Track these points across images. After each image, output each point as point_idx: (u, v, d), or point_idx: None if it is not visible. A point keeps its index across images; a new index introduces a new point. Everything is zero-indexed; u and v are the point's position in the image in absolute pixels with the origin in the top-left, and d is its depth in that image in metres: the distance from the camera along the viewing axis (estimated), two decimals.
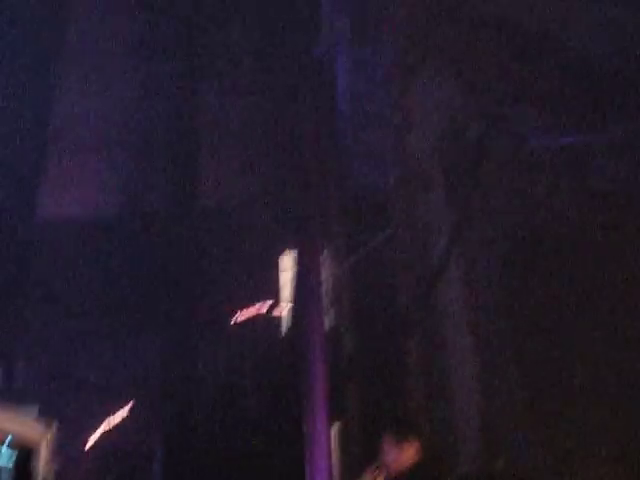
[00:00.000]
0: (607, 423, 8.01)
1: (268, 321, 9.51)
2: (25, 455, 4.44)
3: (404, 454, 4.41)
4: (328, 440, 7.57)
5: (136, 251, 9.95)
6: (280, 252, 9.36)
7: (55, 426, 4.48)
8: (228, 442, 9.92)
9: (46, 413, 4.54)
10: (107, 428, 9.98)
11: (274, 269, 9.39)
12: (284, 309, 9.38)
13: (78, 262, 10.05)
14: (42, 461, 4.43)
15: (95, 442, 9.98)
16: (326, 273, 8.58)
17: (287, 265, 9.30)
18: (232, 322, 9.52)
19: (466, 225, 8.25)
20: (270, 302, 9.38)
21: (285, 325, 9.49)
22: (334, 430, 8.12)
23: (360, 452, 7.77)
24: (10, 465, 4.36)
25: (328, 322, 8.59)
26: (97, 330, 10.12)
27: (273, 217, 8.92)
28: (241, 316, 9.62)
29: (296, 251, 9.03)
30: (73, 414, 9.13)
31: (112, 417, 10.01)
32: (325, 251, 8.59)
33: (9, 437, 4.40)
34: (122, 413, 10.05)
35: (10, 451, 4.35)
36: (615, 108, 8.28)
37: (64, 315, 9.90)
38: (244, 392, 10.08)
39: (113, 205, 10.02)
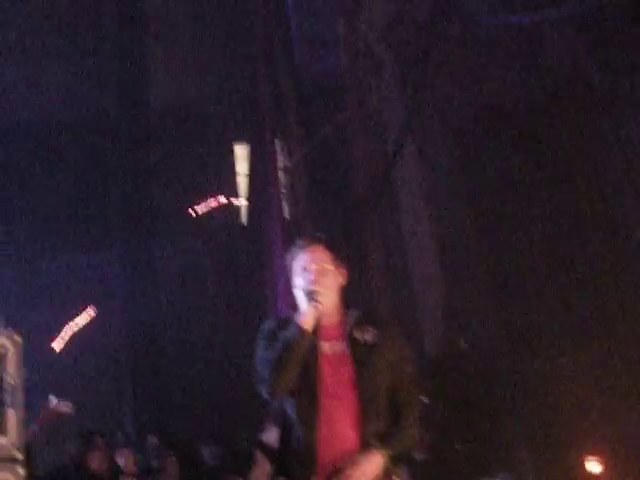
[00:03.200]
0: (563, 303, 8.22)
1: (226, 212, 9.51)
2: None
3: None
4: None
5: (86, 156, 9.84)
6: (235, 144, 9.29)
7: (22, 334, 4.50)
8: (193, 338, 10.04)
9: (12, 324, 4.57)
10: (72, 333, 10.03)
11: (230, 162, 9.34)
12: (241, 200, 9.37)
13: (31, 168, 9.94)
14: (12, 367, 4.46)
15: (62, 348, 10.04)
16: (281, 162, 8.57)
17: (242, 157, 9.25)
18: (192, 215, 9.51)
19: (420, 104, 8.23)
20: (227, 194, 9.36)
21: (243, 216, 9.49)
22: None
23: None
24: None
25: (286, 213, 8.64)
26: (57, 245, 10.08)
27: (226, 110, 8.82)
28: (200, 208, 9.60)
29: (251, 142, 8.98)
30: (39, 325, 9.17)
31: (76, 322, 10.06)
32: (278, 141, 8.54)
33: None
34: (86, 318, 10.09)
35: None
36: None
37: (23, 230, 9.82)
38: (206, 289, 10.16)
39: (64, 108, 9.87)
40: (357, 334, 4.06)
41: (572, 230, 8.18)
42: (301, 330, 4.00)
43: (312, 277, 4.04)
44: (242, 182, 9.30)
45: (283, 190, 8.64)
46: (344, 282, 4.14)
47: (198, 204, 9.49)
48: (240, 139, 9.18)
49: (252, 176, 9.09)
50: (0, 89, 9.41)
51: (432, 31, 8.06)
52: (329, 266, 4.11)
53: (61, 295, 10.16)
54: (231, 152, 9.22)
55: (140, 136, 9.82)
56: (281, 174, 8.63)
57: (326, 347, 4.07)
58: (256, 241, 9.24)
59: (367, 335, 4.05)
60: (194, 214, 9.52)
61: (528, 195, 8.15)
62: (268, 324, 4.13)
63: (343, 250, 4.27)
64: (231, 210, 9.47)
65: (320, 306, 4.00)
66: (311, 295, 4.02)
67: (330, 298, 4.08)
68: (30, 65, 9.64)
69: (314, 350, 4.03)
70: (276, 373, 4.01)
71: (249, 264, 9.45)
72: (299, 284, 4.09)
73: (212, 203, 9.48)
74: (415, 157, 8.20)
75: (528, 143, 8.43)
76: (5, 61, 9.43)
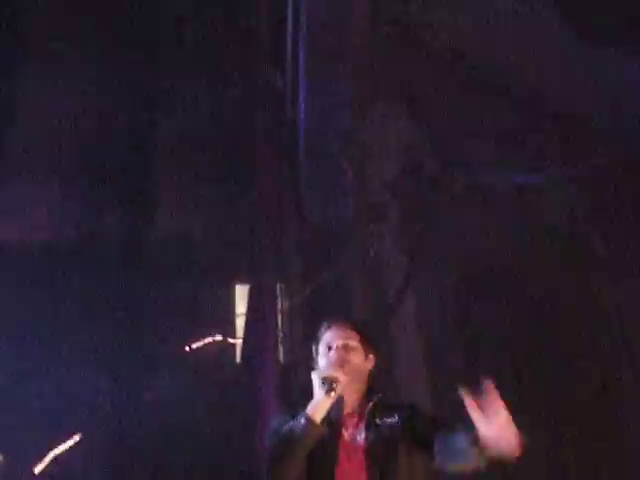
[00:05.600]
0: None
1: (221, 350, 9.47)
2: None
3: None
4: None
5: (78, 279, 9.82)
6: (234, 284, 9.33)
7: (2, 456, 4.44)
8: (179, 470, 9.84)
9: None
10: (53, 458, 9.84)
11: (228, 300, 9.35)
12: (238, 339, 9.35)
13: (30, 290, 9.91)
14: None
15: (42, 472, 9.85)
16: (280, 306, 8.58)
17: (242, 297, 9.27)
18: (184, 352, 9.46)
19: (421, 257, 8.32)
20: (222, 334, 9.35)
21: (238, 355, 9.45)
22: None
23: None
24: None
25: (281, 356, 8.61)
26: (44, 359, 9.98)
27: (228, 249, 8.89)
28: (195, 344, 9.57)
29: (250, 283, 9.01)
30: (19, 446, 9.02)
31: (58, 448, 9.87)
32: (279, 284, 8.58)
33: None
34: (68, 444, 9.91)
35: None
36: (569, 147, 8.40)
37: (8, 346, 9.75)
38: (197, 429, 10.01)
39: (67, 232, 9.91)
40: (377, 419, 3.83)
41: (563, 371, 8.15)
42: (309, 421, 3.70)
43: (336, 357, 3.79)
44: (239, 322, 9.30)
45: (280, 333, 8.63)
46: (372, 368, 3.95)
47: (193, 340, 9.46)
48: (240, 279, 9.23)
49: (250, 316, 9.08)
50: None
51: (436, 186, 8.24)
52: (356, 344, 3.88)
53: (49, 418, 10.00)
54: (230, 291, 9.25)
55: (138, 264, 9.82)
56: (280, 317, 8.63)
57: (347, 436, 3.83)
58: (249, 382, 9.16)
59: (388, 420, 3.81)
60: (188, 349, 9.48)
61: (526, 357, 8.14)
62: (277, 420, 3.91)
63: (374, 334, 4.07)
64: (226, 348, 9.43)
65: (334, 395, 3.69)
66: (328, 381, 3.73)
67: (355, 385, 3.83)
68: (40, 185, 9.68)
69: (333, 439, 3.76)
70: (276, 468, 3.73)
71: (240, 403, 9.35)
72: (320, 366, 3.86)
73: (207, 339, 9.45)
74: (414, 309, 8.22)
75: (526, 303, 8.48)
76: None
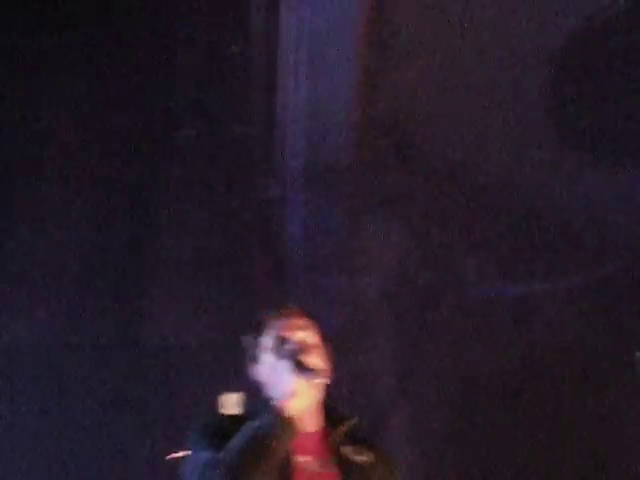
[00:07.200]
0: None
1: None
2: None
3: None
4: None
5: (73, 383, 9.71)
6: (223, 393, 9.20)
7: None
8: None
9: None
10: None
11: (215, 410, 9.20)
12: None
13: (17, 395, 9.79)
14: None
15: None
16: None
17: (231, 407, 9.13)
18: (171, 460, 9.26)
19: (414, 369, 8.26)
20: None
21: None
22: None
23: None
24: None
25: None
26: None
27: (220, 359, 8.80)
28: (179, 455, 9.32)
29: (241, 394, 8.89)
30: None
31: None
32: None
33: None
34: None
35: None
36: (561, 260, 8.43)
37: None
38: None
39: (55, 334, 9.82)
40: (347, 452, 3.14)
41: None
42: (282, 418, 2.88)
43: (300, 344, 3.01)
44: None
45: None
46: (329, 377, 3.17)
47: (177, 450, 9.27)
48: (228, 388, 9.10)
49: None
50: None
51: (428, 295, 8.23)
52: (317, 341, 3.18)
53: None
54: (216, 401, 9.11)
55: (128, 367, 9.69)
56: None
57: (303, 462, 3.08)
58: None
59: (362, 456, 3.13)
60: (173, 458, 9.28)
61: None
62: (213, 420, 3.11)
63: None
64: None
65: (324, 380, 2.89)
66: (302, 362, 2.92)
67: (310, 396, 3.04)
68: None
69: (287, 464, 2.96)
70: (246, 462, 2.83)
71: None
72: (278, 356, 3.05)
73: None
74: (407, 421, 8.14)
75: (519, 415, 8.40)
76: None
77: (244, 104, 8.27)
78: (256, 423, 2.94)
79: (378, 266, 8.02)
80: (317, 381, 2.97)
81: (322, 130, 7.57)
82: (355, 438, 3.22)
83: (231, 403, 9.44)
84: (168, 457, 9.43)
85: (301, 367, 2.98)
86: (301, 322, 3.27)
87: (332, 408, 3.29)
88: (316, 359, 3.10)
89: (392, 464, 3.26)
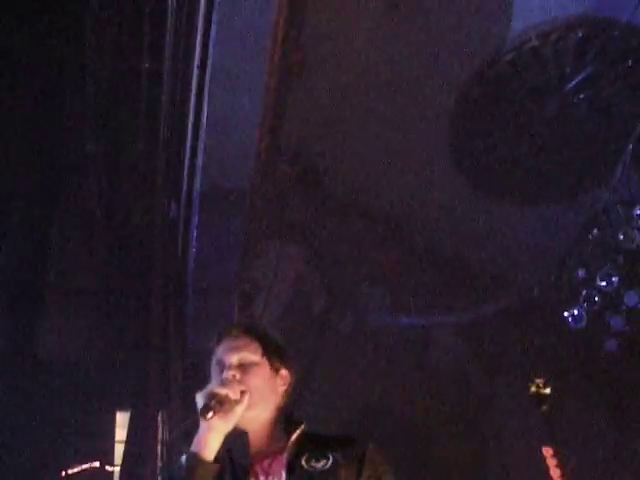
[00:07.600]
0: None
1: (98, 478, 9.21)
2: None
3: None
4: None
5: None
6: (116, 410, 9.17)
7: None
8: None
9: None
10: None
11: (109, 427, 9.16)
12: (116, 467, 9.13)
13: None
14: None
15: None
16: (160, 436, 8.42)
17: (122, 424, 9.09)
18: (60, 479, 9.18)
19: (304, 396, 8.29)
20: (100, 462, 9.12)
21: None
22: None
23: None
24: None
25: None
26: None
27: (111, 375, 8.76)
28: (71, 470, 9.24)
29: (131, 411, 8.85)
30: None
31: None
32: (161, 413, 8.44)
33: None
34: None
35: None
36: (457, 294, 8.55)
37: None
38: None
39: None
40: (304, 461, 2.91)
41: None
42: (194, 458, 2.77)
43: (226, 375, 2.87)
44: (118, 449, 9.09)
45: (160, 463, 8.45)
46: (285, 388, 3.07)
47: (70, 465, 9.19)
48: (122, 406, 9.06)
49: (129, 444, 8.89)
50: None
51: (324, 324, 8.29)
52: (258, 358, 3.00)
53: None
54: (111, 418, 9.07)
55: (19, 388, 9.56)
56: (160, 447, 8.46)
57: None
58: None
59: (318, 463, 2.89)
60: (64, 474, 9.20)
61: None
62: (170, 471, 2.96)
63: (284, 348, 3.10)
64: (103, 476, 9.19)
65: (219, 420, 2.75)
66: (210, 400, 2.78)
67: (263, 414, 2.94)
68: None
69: None
70: None
71: None
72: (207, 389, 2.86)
73: (84, 466, 9.19)
74: None
75: (409, 440, 8.49)
76: None
77: (150, 121, 8.22)
78: (172, 469, 2.95)
79: (272, 292, 8.03)
80: (210, 416, 2.80)
81: (224, 153, 7.52)
82: (312, 442, 2.99)
83: (119, 423, 9.43)
84: (63, 473, 9.40)
85: (205, 406, 2.85)
86: (240, 342, 3.06)
87: (287, 419, 3.08)
88: (229, 390, 2.89)
89: (359, 453, 2.97)
